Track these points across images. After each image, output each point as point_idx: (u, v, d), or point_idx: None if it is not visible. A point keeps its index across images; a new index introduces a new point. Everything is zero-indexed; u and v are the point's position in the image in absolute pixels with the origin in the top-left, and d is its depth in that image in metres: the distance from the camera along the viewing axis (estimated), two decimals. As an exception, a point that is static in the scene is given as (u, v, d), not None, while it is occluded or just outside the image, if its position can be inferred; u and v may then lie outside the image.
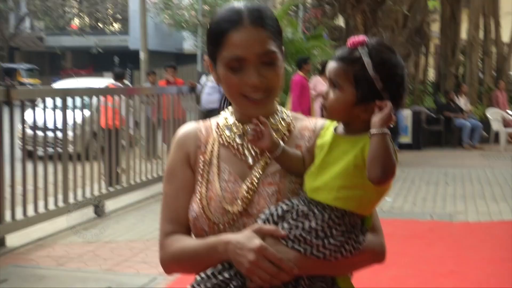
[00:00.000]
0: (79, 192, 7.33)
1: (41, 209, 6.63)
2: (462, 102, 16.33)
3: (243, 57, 1.59)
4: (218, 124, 1.75)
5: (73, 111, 7.46)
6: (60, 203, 6.93)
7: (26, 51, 40.01)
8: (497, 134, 15.34)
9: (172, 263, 1.68)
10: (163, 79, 13.23)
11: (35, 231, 6.63)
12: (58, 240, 6.53)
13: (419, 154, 14.19)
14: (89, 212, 7.55)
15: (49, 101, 7.02)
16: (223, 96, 1.83)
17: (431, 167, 12.00)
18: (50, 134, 7.02)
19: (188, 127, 1.77)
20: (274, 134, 1.64)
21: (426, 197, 9.02)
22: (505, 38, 18.86)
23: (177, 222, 1.69)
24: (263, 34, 1.60)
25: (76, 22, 39.48)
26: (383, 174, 1.45)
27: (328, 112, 1.59)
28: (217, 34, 1.63)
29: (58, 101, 6.98)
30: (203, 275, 1.56)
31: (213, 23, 1.66)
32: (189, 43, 31.98)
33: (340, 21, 16.35)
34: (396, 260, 5.18)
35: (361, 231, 1.58)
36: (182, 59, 34.17)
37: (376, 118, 1.48)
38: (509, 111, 16.34)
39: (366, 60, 1.53)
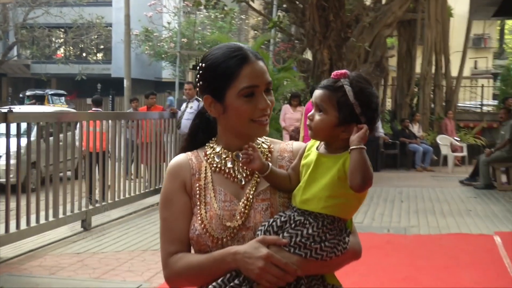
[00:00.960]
0: (68, 207, 7.34)
1: (33, 223, 6.63)
2: (416, 129, 16.58)
3: (257, 85, 1.69)
4: (206, 153, 1.81)
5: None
6: (51, 218, 6.95)
7: (13, 77, 39.55)
8: (445, 158, 15.51)
9: (180, 278, 1.70)
10: (144, 106, 13.31)
11: (27, 243, 6.66)
12: (49, 251, 6.53)
13: (377, 175, 14.30)
14: (77, 226, 7.62)
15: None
16: (194, 129, 1.89)
17: (388, 187, 12.14)
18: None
19: (179, 158, 1.81)
20: (262, 156, 1.74)
21: (383, 213, 9.13)
22: (453, 73, 19.10)
23: (179, 242, 1.72)
24: (264, 66, 1.73)
25: (61, 51, 39.23)
26: (362, 182, 1.56)
27: (313, 132, 1.69)
28: (228, 69, 1.69)
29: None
30: (215, 284, 1.61)
31: (218, 62, 1.71)
32: (168, 72, 32.04)
33: (308, 55, 16.54)
34: (356, 268, 5.25)
35: (346, 234, 1.69)
36: (160, 86, 34.17)
37: (354, 137, 1.60)
38: (456, 138, 16.47)
39: (348, 89, 1.65)
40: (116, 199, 8.57)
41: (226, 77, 1.70)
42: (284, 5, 19.32)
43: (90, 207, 7.89)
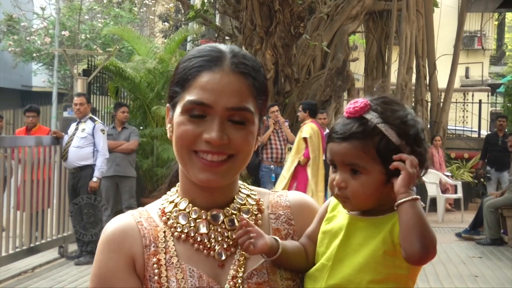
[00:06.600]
0: None
1: None
2: (393, 161, 16.72)
3: (208, 105, 1.57)
4: (163, 211, 1.69)
5: None
6: None
7: None
8: (434, 201, 15.60)
9: None
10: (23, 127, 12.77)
11: None
12: None
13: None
14: None
15: None
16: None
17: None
18: None
19: (122, 221, 1.69)
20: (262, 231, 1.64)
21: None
22: (440, 83, 19.36)
23: None
24: (243, 84, 1.60)
25: None
26: (423, 247, 1.45)
27: (353, 203, 1.60)
28: (184, 71, 1.62)
29: None
30: None
31: (185, 59, 1.65)
32: (41, 78, 31.49)
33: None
34: None
35: None
36: (30, 97, 33.47)
37: (397, 185, 1.51)
38: (447, 173, 16.67)
39: (385, 127, 1.57)
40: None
41: (181, 82, 1.64)
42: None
43: None
